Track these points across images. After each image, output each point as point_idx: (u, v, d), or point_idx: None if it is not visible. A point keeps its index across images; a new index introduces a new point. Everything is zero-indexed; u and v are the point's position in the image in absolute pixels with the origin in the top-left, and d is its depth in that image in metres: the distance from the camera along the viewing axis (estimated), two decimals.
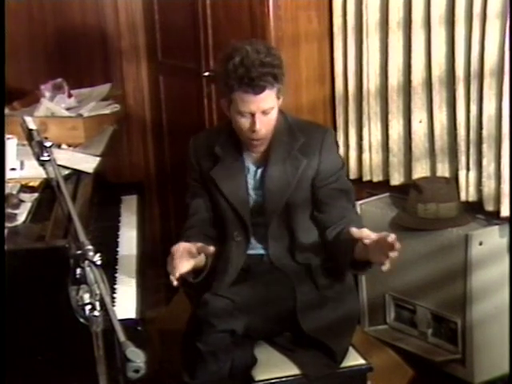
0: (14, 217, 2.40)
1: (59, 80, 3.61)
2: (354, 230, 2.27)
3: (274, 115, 2.50)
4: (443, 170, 3.19)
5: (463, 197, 3.10)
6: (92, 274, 1.54)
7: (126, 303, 2.34)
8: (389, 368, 2.98)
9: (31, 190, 2.68)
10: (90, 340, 1.58)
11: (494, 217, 3.03)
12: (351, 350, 2.57)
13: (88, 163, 3.00)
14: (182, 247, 2.38)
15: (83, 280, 1.56)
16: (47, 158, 1.88)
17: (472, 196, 3.09)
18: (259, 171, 2.61)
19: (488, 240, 2.98)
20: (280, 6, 3.22)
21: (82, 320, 1.71)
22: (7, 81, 3.48)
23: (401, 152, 3.30)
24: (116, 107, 3.57)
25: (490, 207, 3.02)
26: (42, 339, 2.13)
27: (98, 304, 1.53)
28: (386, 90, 3.27)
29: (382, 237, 2.20)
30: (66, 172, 2.84)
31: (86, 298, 1.56)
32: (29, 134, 1.98)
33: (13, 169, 2.82)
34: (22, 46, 3.84)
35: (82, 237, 1.62)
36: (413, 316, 3.23)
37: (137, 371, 1.33)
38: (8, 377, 2.08)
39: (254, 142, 2.53)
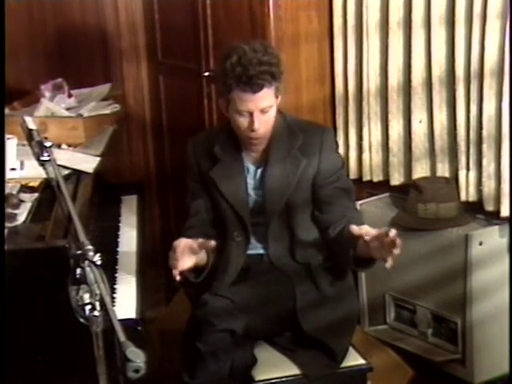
0: (14, 217, 2.40)
1: (59, 80, 3.61)
2: (354, 228, 2.27)
3: (272, 114, 2.49)
4: (443, 170, 3.19)
5: (463, 197, 3.10)
6: (92, 273, 1.54)
7: (126, 303, 2.34)
8: (389, 368, 2.98)
9: (31, 190, 2.68)
10: (90, 340, 1.58)
11: (494, 217, 3.03)
12: (351, 350, 2.57)
13: (88, 163, 3.00)
14: (183, 243, 2.37)
15: (83, 280, 1.56)
16: (47, 158, 1.88)
17: (472, 196, 3.09)
18: (259, 171, 2.60)
19: (488, 240, 2.98)
20: (280, 5, 3.22)
21: (82, 320, 1.70)
22: (7, 81, 3.47)
23: (401, 152, 3.30)
24: (116, 107, 3.58)
25: (490, 207, 3.03)
26: (42, 339, 2.13)
27: (97, 304, 1.53)
28: (386, 90, 3.27)
29: (381, 233, 2.20)
30: (66, 172, 2.85)
31: (86, 298, 1.55)
32: (29, 134, 1.98)
33: (13, 169, 2.82)
34: (21, 46, 3.83)
35: (82, 237, 1.62)
36: (413, 316, 3.23)
37: (137, 371, 1.33)
38: (8, 377, 2.08)
39: (253, 141, 2.53)
